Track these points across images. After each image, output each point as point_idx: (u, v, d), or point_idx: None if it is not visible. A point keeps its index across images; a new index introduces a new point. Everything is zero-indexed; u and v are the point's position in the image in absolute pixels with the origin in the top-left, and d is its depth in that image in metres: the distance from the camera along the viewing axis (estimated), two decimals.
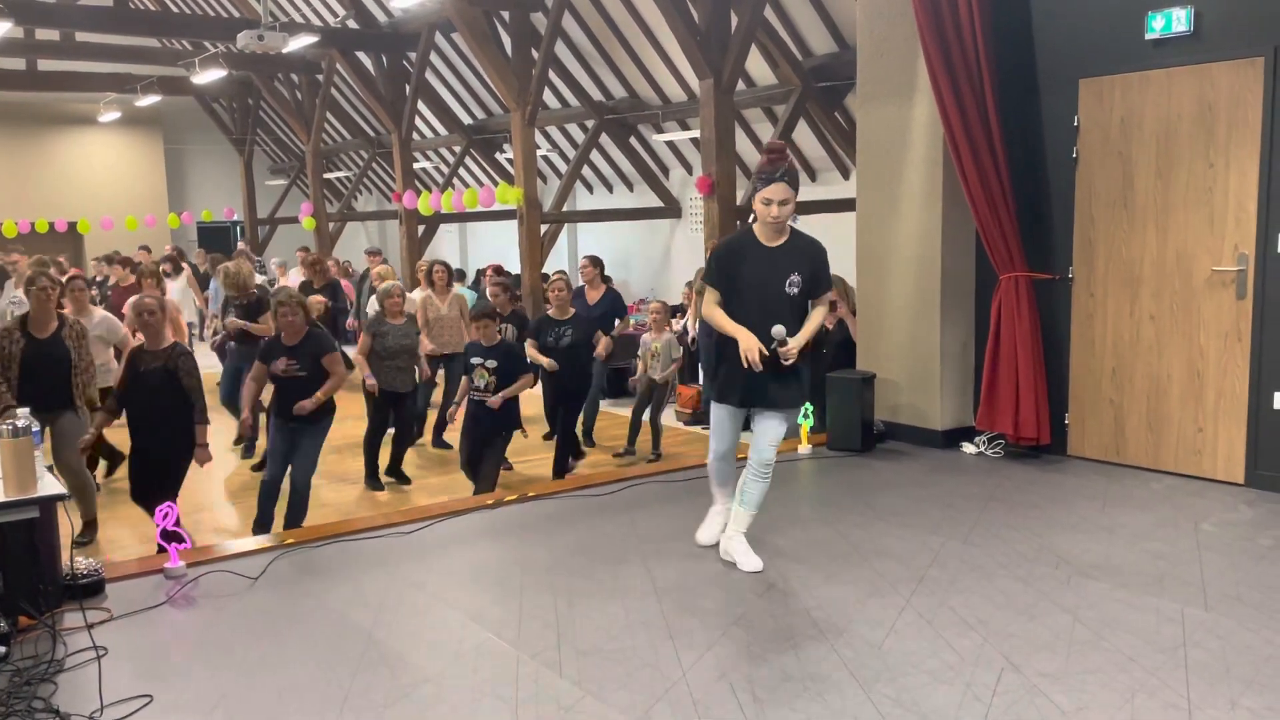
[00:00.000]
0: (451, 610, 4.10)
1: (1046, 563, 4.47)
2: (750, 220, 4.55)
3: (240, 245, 18.64)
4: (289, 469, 6.29)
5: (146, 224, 20.59)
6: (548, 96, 14.29)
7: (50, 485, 3.97)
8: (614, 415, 9.88)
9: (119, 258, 13.05)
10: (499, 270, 12.28)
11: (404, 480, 7.80)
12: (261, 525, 6.23)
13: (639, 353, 8.95)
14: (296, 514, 6.25)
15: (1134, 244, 5.88)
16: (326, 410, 6.32)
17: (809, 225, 12.21)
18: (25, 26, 14.59)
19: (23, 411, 3.92)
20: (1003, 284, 6.21)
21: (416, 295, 9.30)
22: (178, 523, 4.48)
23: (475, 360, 6.78)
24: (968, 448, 6.47)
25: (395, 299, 7.76)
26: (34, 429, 3.86)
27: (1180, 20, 5.49)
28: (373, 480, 7.71)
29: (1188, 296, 5.67)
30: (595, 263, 9.33)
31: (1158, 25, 5.58)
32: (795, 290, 4.29)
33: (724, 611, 4.03)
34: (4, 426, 3.75)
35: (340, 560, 4.71)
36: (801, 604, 4.08)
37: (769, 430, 4.43)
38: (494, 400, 6.62)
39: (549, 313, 7.73)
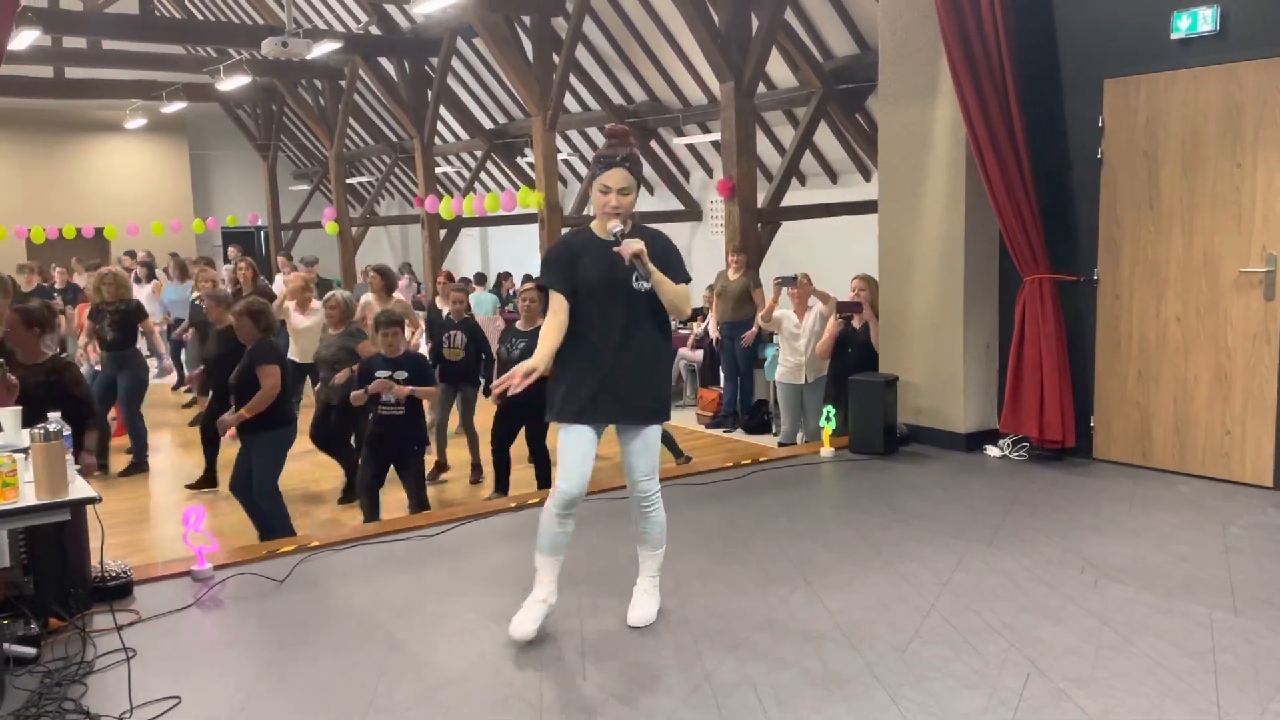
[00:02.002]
0: (475, 613, 4.12)
1: (1072, 566, 4.44)
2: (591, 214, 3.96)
3: (231, 250, 17.54)
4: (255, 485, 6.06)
5: (172, 229, 20.79)
6: (568, 101, 14.33)
7: (81, 488, 4.01)
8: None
9: (88, 263, 12.99)
10: (450, 277, 11.95)
11: (347, 499, 7.46)
12: (265, 532, 6.01)
13: None
14: (263, 531, 6.01)
15: (1160, 245, 5.83)
16: (266, 423, 5.94)
17: (832, 227, 12.24)
18: (53, 34, 14.78)
19: (54, 415, 3.96)
20: (1027, 285, 6.18)
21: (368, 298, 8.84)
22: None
23: (381, 374, 6.27)
24: (992, 450, 6.44)
25: (331, 309, 7.59)
26: (65, 432, 3.90)
27: (1206, 20, 5.44)
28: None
29: (1215, 298, 5.62)
30: None
31: (1183, 25, 5.54)
32: (644, 286, 3.79)
33: (747, 615, 4.02)
34: (36, 430, 3.80)
35: (365, 563, 4.74)
36: (825, 608, 4.07)
37: (637, 455, 3.95)
38: (403, 390, 6.19)
39: (516, 324, 7.32)
